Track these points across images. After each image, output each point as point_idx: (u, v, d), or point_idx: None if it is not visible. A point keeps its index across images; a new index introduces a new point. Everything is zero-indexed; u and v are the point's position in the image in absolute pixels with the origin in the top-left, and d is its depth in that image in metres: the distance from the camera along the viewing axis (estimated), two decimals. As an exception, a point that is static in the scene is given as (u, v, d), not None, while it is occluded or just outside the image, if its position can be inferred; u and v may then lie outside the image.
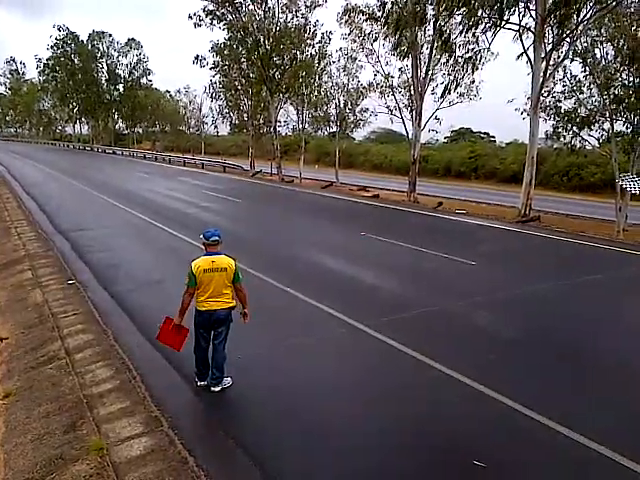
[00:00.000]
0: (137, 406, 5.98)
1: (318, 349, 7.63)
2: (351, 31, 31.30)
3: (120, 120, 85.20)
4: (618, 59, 21.07)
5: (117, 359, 7.18)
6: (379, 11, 28.65)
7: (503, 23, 21.75)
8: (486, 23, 22.84)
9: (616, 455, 5.00)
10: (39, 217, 18.76)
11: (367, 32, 30.50)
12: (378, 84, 32.49)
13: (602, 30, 21.54)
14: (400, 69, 30.42)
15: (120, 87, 79.55)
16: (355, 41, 31.71)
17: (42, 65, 79.15)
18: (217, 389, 6.22)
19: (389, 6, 27.71)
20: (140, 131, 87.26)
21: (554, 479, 4.88)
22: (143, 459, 5.06)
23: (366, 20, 29.87)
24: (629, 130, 21.90)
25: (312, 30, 36.45)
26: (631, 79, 20.96)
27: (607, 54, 21.74)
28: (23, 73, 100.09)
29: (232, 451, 5.18)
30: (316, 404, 6.02)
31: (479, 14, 22.18)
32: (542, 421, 5.59)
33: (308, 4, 35.20)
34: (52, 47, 75.75)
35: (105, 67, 78.89)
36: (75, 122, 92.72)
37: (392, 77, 31.20)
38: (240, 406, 6.13)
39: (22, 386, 6.83)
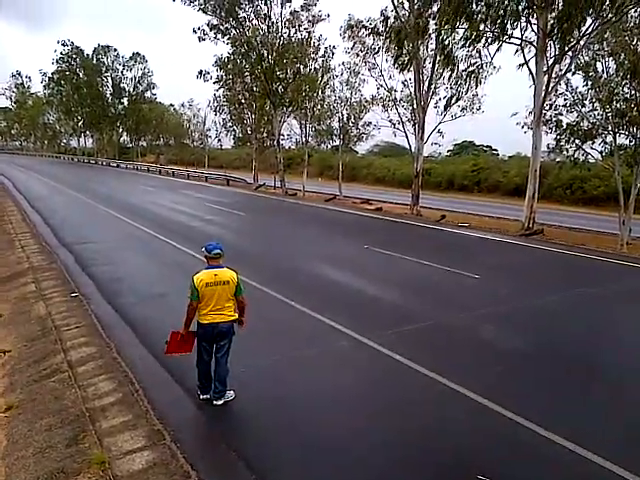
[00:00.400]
0: (139, 419, 5.97)
1: (321, 362, 7.62)
2: (354, 45, 31.54)
3: (124, 133, 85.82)
4: (620, 73, 21.12)
5: (120, 372, 7.17)
6: (382, 25, 28.95)
7: (505, 37, 21.86)
8: (488, 37, 23.01)
9: (620, 469, 4.98)
10: (43, 230, 18.82)
11: (370, 46, 30.77)
12: (381, 98, 32.73)
13: (604, 44, 21.62)
14: (403, 82, 30.69)
15: (125, 101, 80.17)
16: (358, 55, 31.96)
17: (47, 79, 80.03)
18: (220, 402, 6.20)
19: (391, 20, 28.02)
20: (144, 144, 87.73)
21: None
22: (145, 473, 5.05)
23: (369, 35, 30.12)
24: (632, 143, 21.91)
25: (316, 44, 36.76)
26: (633, 93, 21.00)
27: (609, 68, 21.82)
28: (28, 87, 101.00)
29: (234, 464, 5.16)
30: (318, 417, 6.01)
31: (481, 28, 22.33)
32: (547, 436, 5.56)
33: (310, 19, 35.52)
34: (57, 61, 76.57)
35: (110, 81, 79.56)
36: (80, 135, 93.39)
37: (395, 91, 31.43)
38: (242, 419, 6.11)
39: (24, 399, 6.82)
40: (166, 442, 5.50)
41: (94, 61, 77.83)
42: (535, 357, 7.97)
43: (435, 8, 24.75)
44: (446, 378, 6.85)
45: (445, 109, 28.19)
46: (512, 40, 21.86)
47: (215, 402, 6.21)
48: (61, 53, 76.00)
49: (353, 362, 7.74)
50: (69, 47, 76.29)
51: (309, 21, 35.50)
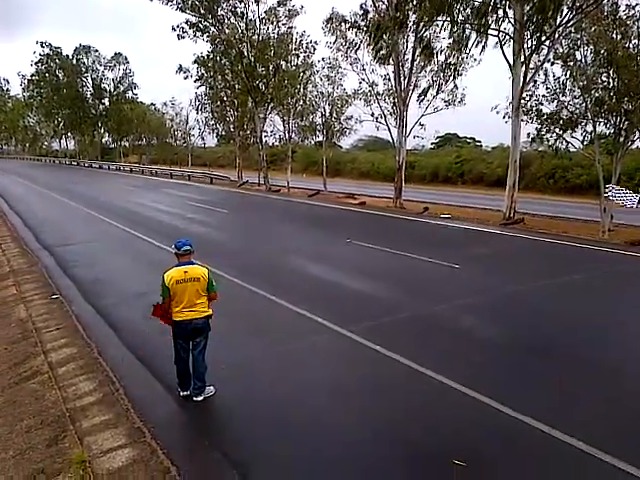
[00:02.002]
0: (120, 418, 5.98)
1: (302, 356, 7.66)
2: (336, 39, 31.47)
3: (106, 134, 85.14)
4: (596, 62, 21.33)
5: (100, 372, 7.17)
6: (362, 20, 28.98)
7: (482, 29, 22.00)
8: (466, 29, 23.15)
9: (591, 448, 5.10)
10: (24, 233, 18.68)
11: (351, 40, 30.74)
12: (363, 92, 32.73)
13: (583, 33, 21.78)
14: (382, 77, 30.74)
15: (106, 101, 79.56)
16: (340, 49, 31.91)
17: (26, 81, 79.17)
18: (200, 399, 6.23)
19: (371, 15, 28.07)
20: (127, 145, 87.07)
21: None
22: (125, 470, 5.06)
23: (349, 28, 30.09)
24: (611, 131, 22.15)
25: (298, 40, 36.68)
26: (610, 81, 21.22)
27: (586, 57, 22.00)
28: (7, 90, 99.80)
29: (215, 460, 5.19)
30: (300, 412, 6.03)
31: (459, 20, 22.47)
32: (524, 420, 5.66)
33: (286, 14, 35.47)
34: (36, 63, 75.80)
35: (90, 82, 78.90)
36: (61, 137, 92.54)
37: (377, 85, 31.47)
38: (223, 415, 6.14)
39: (5, 401, 6.79)
40: (146, 439, 5.52)
41: (74, 62, 77.11)
42: (511, 346, 8.08)
43: (415, 1, 24.83)
44: (424, 367, 6.93)
45: (422, 100, 28.30)
46: (490, 32, 22.03)
47: (195, 398, 6.23)
48: (40, 55, 75.35)
49: (334, 355, 7.80)
50: (48, 48, 75.60)
51: (286, 16, 35.48)
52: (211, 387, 6.34)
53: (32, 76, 78.12)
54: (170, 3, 34.14)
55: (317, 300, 10.08)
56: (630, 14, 20.09)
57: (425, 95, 28.05)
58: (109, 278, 12.20)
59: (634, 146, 24.74)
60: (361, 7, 28.40)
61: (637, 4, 19.75)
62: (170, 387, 6.53)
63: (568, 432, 5.38)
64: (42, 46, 75.09)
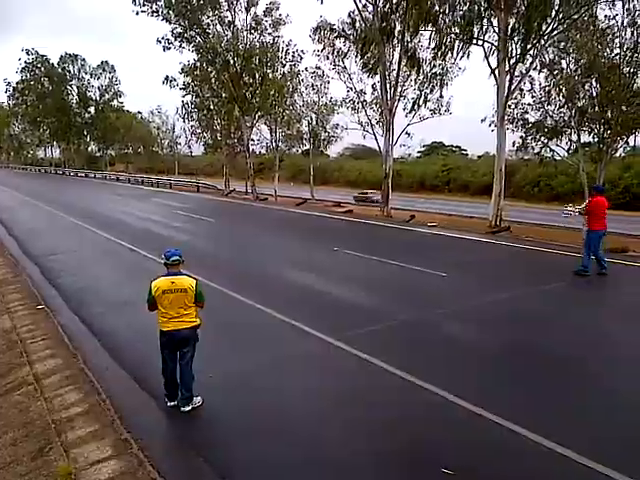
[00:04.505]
0: (106, 429, 5.93)
1: (290, 366, 7.65)
2: (324, 48, 31.64)
3: (92, 143, 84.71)
4: (578, 71, 21.63)
5: (86, 382, 7.11)
6: (349, 29, 29.23)
7: (467, 39, 22.27)
8: (452, 39, 23.42)
9: (574, 454, 5.13)
10: (8, 242, 18.48)
11: (339, 49, 30.94)
12: (351, 100, 32.90)
13: (567, 43, 22.07)
14: (372, 86, 30.94)
15: (91, 110, 79.19)
16: (328, 58, 32.08)
17: (11, 89, 78.65)
18: (187, 409, 6.19)
19: (358, 24, 28.33)
20: (113, 153, 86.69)
21: None
22: (112, 482, 5.03)
23: (337, 37, 30.30)
24: (595, 140, 22.42)
25: (284, 49, 36.82)
26: (593, 91, 21.51)
27: (570, 67, 22.29)
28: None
29: (202, 470, 5.16)
30: (287, 422, 6.00)
31: (444, 30, 22.75)
32: (511, 427, 5.68)
33: (272, 23, 35.60)
34: (22, 70, 75.32)
35: (76, 90, 78.52)
36: (46, 146, 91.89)
37: (364, 93, 31.66)
38: (210, 425, 6.10)
39: (-11, 414, 6.71)
40: (133, 451, 5.47)
41: (59, 70, 76.73)
42: (499, 351, 8.13)
43: (401, 12, 25.09)
44: (411, 374, 6.95)
45: (411, 111, 28.56)
46: (475, 41, 22.30)
47: (183, 408, 6.20)
48: (25, 62, 74.87)
49: (321, 364, 7.78)
50: (33, 56, 75.16)
51: (271, 26, 35.62)
52: (198, 397, 6.31)
53: (18, 83, 77.64)
54: (155, 14, 34.10)
55: (303, 308, 10.08)
56: (611, 24, 20.42)
57: (417, 106, 28.29)
58: (94, 288, 12.11)
59: (617, 154, 25.13)
60: (349, 16, 28.71)
61: (616, 14, 20.12)
62: (157, 397, 6.48)
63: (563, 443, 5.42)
64: (27, 53, 74.83)
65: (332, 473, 5.08)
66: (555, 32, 20.74)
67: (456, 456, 5.27)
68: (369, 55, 27.56)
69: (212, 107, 44.24)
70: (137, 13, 33.93)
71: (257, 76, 36.23)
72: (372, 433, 5.75)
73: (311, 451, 5.44)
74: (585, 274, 12.44)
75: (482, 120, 23.34)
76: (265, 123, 41.98)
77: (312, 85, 39.33)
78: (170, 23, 34.75)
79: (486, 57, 22.11)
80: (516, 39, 21.51)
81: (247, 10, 34.83)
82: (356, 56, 29.83)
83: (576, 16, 20.01)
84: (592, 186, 14.38)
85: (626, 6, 19.60)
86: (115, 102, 78.84)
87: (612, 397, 6.58)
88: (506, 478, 5.02)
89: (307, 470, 5.12)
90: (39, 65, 75.94)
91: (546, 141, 23.36)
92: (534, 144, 23.75)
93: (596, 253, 12.57)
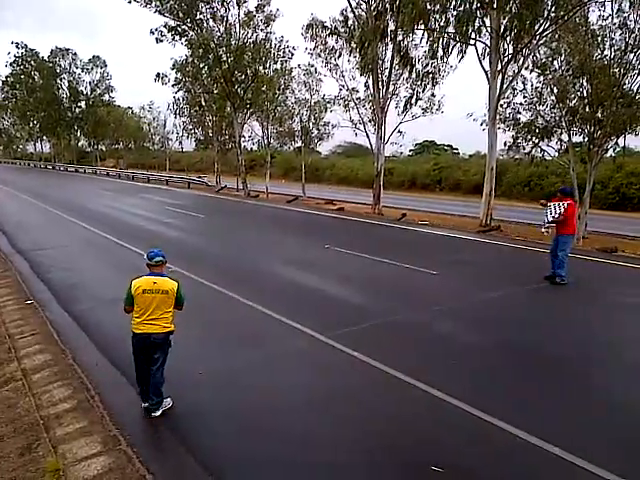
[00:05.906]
0: (95, 425, 5.90)
1: (280, 363, 7.64)
2: (316, 46, 31.52)
3: (82, 137, 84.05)
4: (569, 72, 21.74)
5: (75, 378, 7.07)
6: (342, 27, 29.16)
7: (460, 38, 22.31)
8: (445, 38, 23.43)
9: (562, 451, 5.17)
10: (-3, 237, 18.34)
11: (331, 47, 30.84)
12: (343, 98, 32.84)
13: (559, 43, 22.15)
14: (365, 84, 30.90)
15: (82, 104, 78.60)
16: (320, 56, 31.97)
17: (1, 82, 77.92)
18: (158, 414, 6.05)
19: (351, 22, 28.29)
20: (103, 148, 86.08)
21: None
22: (100, 478, 5.00)
23: (329, 35, 30.21)
24: (585, 140, 22.53)
25: (276, 46, 36.65)
26: (584, 91, 21.61)
27: (562, 67, 22.38)
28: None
29: (191, 466, 5.15)
30: (276, 419, 6.01)
31: (437, 29, 22.76)
32: (502, 426, 5.72)
33: (264, 19, 35.43)
34: (11, 64, 74.67)
35: (66, 84, 77.90)
36: (36, 140, 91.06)
37: (357, 91, 31.61)
38: (199, 422, 6.07)
39: (-24, 410, 6.66)
40: (122, 447, 5.45)
41: (50, 64, 76.08)
42: (489, 349, 8.17)
43: (395, 10, 25.08)
44: (402, 372, 6.97)
45: (404, 110, 28.58)
46: (468, 41, 22.32)
47: (153, 414, 6.05)
48: (15, 56, 74.22)
49: (311, 361, 7.77)
50: (23, 49, 74.53)
51: (263, 21, 35.47)
52: (168, 399, 6.19)
53: (7, 77, 76.97)
54: (149, 5, 33.85)
55: (294, 305, 10.09)
56: (603, 24, 20.53)
57: (409, 105, 28.31)
58: (84, 283, 12.03)
59: (607, 154, 25.29)
60: (341, 13, 28.66)
61: (609, 15, 20.23)
62: (146, 394, 6.46)
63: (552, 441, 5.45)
64: (17, 47, 74.14)
65: (323, 471, 5.09)
66: (547, 32, 20.81)
67: (446, 453, 5.30)
68: (362, 53, 27.48)
69: (204, 103, 44.02)
70: (129, 1, 33.63)
71: (249, 72, 36.06)
72: (363, 431, 5.76)
73: (301, 449, 5.44)
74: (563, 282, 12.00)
75: (469, 115, 23.27)
76: (257, 120, 41.86)
77: (304, 82, 39.21)
78: (164, 16, 34.54)
79: (478, 57, 22.17)
80: (508, 39, 21.58)
81: (239, 4, 34.59)
82: (348, 54, 29.84)
83: (567, 17, 20.07)
84: (559, 188, 13.67)
85: (615, 7, 19.77)
86: (106, 97, 78.36)
87: (603, 395, 6.64)
88: (496, 476, 5.04)
89: (297, 468, 5.12)
90: (29, 59, 75.27)
91: (537, 141, 23.44)
92: (525, 144, 23.84)
93: (562, 257, 12.01)
